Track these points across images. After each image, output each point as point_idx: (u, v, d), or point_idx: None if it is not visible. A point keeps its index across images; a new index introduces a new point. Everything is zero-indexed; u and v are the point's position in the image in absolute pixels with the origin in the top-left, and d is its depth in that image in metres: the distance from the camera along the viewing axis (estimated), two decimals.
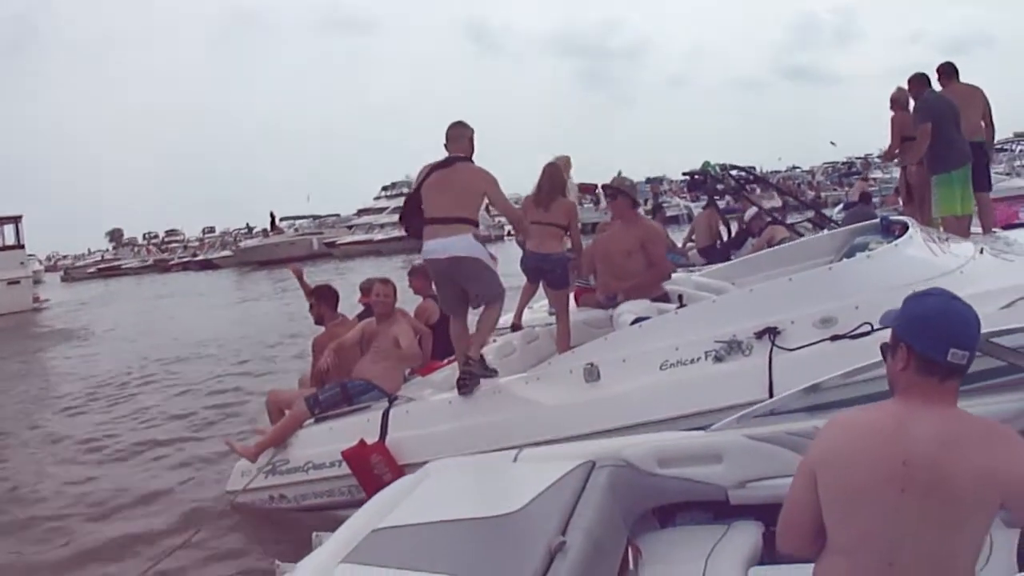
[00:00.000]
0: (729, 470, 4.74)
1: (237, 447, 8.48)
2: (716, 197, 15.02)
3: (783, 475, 4.44)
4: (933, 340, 2.70)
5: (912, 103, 10.57)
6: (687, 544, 4.54)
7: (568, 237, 8.58)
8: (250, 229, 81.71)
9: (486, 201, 7.68)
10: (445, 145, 7.42)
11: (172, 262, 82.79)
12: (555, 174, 8.57)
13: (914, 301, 2.84)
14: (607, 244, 8.74)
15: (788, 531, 2.99)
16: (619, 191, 8.52)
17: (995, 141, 11.43)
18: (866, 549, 2.68)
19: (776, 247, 10.49)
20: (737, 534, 4.51)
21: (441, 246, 7.12)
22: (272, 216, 76.14)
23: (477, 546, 4.04)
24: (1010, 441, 2.69)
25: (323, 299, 9.26)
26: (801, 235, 11.30)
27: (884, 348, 2.90)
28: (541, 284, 8.71)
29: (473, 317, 7.73)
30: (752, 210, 14.94)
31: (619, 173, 9.22)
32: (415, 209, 7.38)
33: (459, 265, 7.16)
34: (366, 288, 9.74)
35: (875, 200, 20.25)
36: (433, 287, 8.42)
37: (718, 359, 6.45)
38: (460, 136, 7.43)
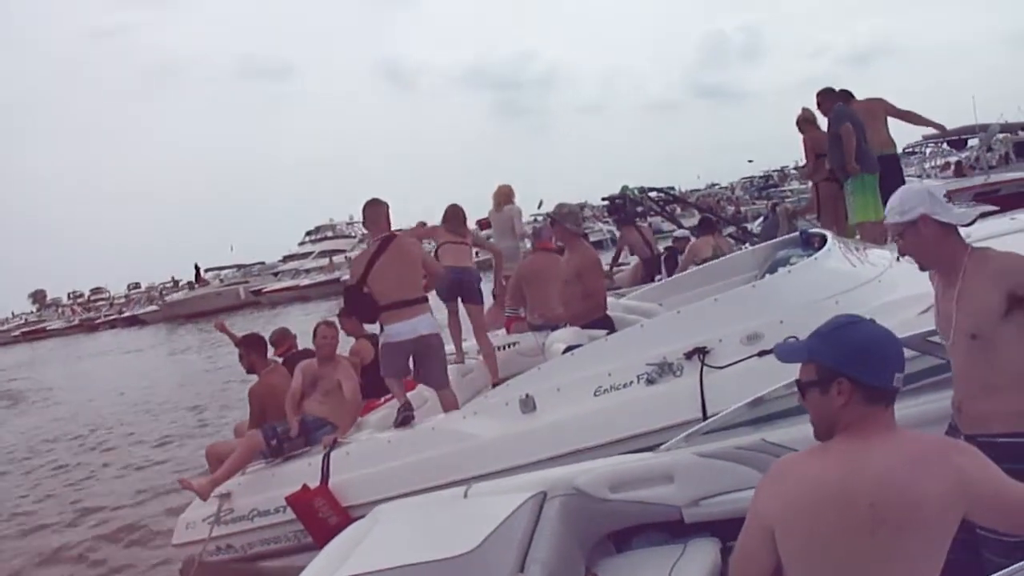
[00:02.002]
0: (681, 489, 4.79)
1: (193, 485, 8.33)
2: (638, 219, 15.20)
3: (736, 489, 4.61)
4: (879, 369, 2.68)
5: (822, 118, 10.83)
6: (645, 566, 4.57)
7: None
8: (176, 282, 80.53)
9: None
10: (366, 225, 7.99)
11: (99, 320, 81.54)
12: (458, 208, 9.20)
13: (840, 332, 2.77)
14: (541, 271, 8.97)
15: None
16: (554, 219, 8.67)
17: (907, 145, 11.78)
18: None
19: (702, 266, 10.66)
20: (695, 552, 4.55)
21: (409, 327, 7.54)
22: (197, 268, 75.09)
23: None
24: (963, 450, 2.71)
25: (252, 348, 9.23)
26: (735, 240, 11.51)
27: (807, 385, 2.79)
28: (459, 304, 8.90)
29: None
30: (681, 231, 15.13)
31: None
32: (360, 297, 7.74)
33: (424, 342, 7.60)
34: (277, 340, 9.84)
35: (789, 207, 20.64)
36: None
37: (650, 382, 6.59)
38: (378, 215, 7.90)
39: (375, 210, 7.90)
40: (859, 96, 10.90)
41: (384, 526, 5.03)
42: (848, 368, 2.67)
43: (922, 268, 3.75)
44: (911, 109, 11.13)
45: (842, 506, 2.55)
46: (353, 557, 4.55)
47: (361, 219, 8.01)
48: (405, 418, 7.62)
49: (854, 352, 2.69)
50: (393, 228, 7.92)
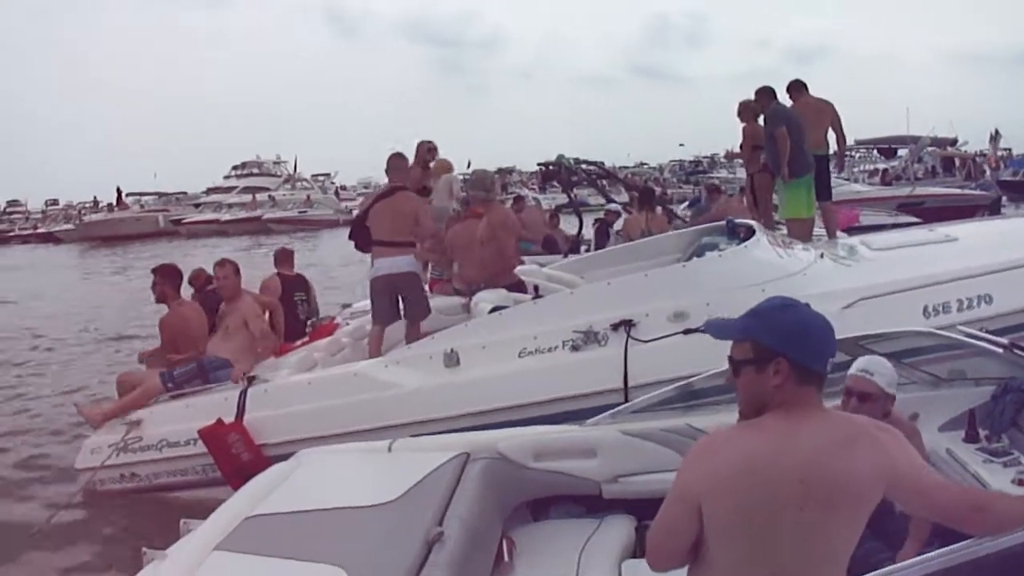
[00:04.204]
0: (603, 465, 4.87)
1: (84, 411, 8.49)
2: (569, 189, 15.32)
3: (656, 470, 4.69)
4: (816, 351, 2.71)
5: (760, 115, 10.96)
6: (561, 537, 4.62)
7: None
8: (96, 203, 78.96)
9: None
10: (386, 171, 8.76)
11: (11, 234, 79.82)
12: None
13: (779, 314, 2.77)
14: (461, 234, 9.00)
15: (662, 553, 2.83)
16: (470, 184, 9.08)
17: (835, 150, 11.94)
18: (752, 566, 2.65)
19: (626, 244, 10.78)
20: (610, 528, 4.61)
21: (390, 264, 8.23)
22: (119, 191, 73.72)
23: (354, 535, 4.03)
24: (891, 434, 2.77)
25: (167, 278, 8.96)
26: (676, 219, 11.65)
27: (742, 363, 2.78)
28: None
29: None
30: (612, 205, 15.28)
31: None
32: (362, 230, 8.62)
33: (403, 279, 8.27)
34: (194, 277, 9.83)
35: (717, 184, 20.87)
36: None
37: (575, 348, 6.71)
38: (400, 168, 8.83)
39: (397, 162, 8.80)
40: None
41: (306, 470, 5.03)
42: (787, 348, 2.68)
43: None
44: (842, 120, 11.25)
45: (774, 481, 2.59)
46: (272, 497, 4.56)
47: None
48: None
49: (794, 333, 2.70)
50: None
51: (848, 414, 2.95)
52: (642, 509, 4.56)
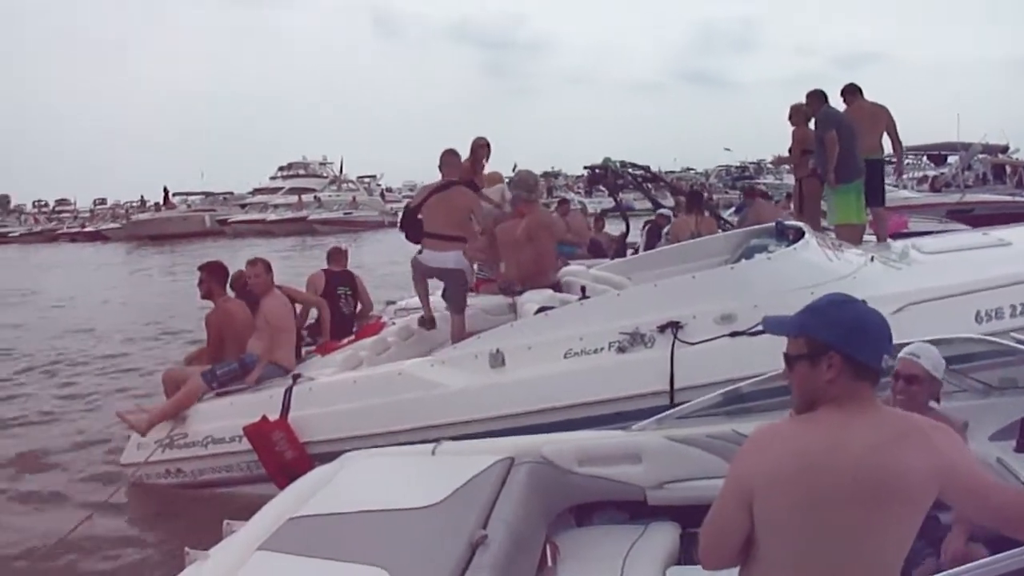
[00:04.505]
0: (648, 470, 4.81)
1: (129, 419, 8.43)
2: (616, 193, 15.29)
3: (701, 477, 4.63)
4: (871, 347, 2.69)
5: (811, 118, 10.87)
6: (605, 543, 4.59)
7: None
8: (143, 202, 79.71)
9: None
10: (440, 167, 8.86)
11: (60, 232, 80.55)
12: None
13: (835, 309, 2.77)
14: (507, 232, 9.11)
15: (716, 548, 2.82)
16: (514, 184, 9.27)
17: (889, 154, 11.82)
18: (806, 563, 2.63)
19: (674, 245, 10.71)
20: (655, 534, 4.57)
21: (436, 258, 8.43)
22: (165, 190, 74.32)
23: (397, 537, 4.02)
24: (945, 432, 2.72)
25: (213, 275, 9.01)
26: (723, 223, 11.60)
27: (796, 358, 2.77)
28: None
29: None
30: (661, 209, 15.26)
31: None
32: (414, 221, 8.70)
33: (447, 273, 8.45)
34: (236, 279, 9.89)
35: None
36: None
37: (621, 350, 6.65)
38: (453, 163, 8.90)
39: (451, 158, 8.88)
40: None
41: (350, 472, 5.02)
42: (841, 343, 2.67)
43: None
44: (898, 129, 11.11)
45: (826, 476, 2.56)
46: (316, 498, 4.56)
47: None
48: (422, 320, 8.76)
49: (848, 329, 2.69)
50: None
51: (903, 412, 2.87)
52: (687, 516, 4.52)
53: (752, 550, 2.75)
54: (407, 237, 8.90)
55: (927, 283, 6.71)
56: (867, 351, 2.69)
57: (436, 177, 8.97)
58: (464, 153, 9.66)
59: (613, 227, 17.96)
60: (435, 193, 8.64)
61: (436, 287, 9.05)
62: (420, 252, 8.63)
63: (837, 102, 10.53)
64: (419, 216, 8.64)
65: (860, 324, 2.71)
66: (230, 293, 9.10)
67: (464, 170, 9.56)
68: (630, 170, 14.57)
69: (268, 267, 8.70)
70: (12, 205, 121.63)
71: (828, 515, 2.57)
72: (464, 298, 8.52)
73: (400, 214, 9.32)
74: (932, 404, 4.35)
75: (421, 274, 8.70)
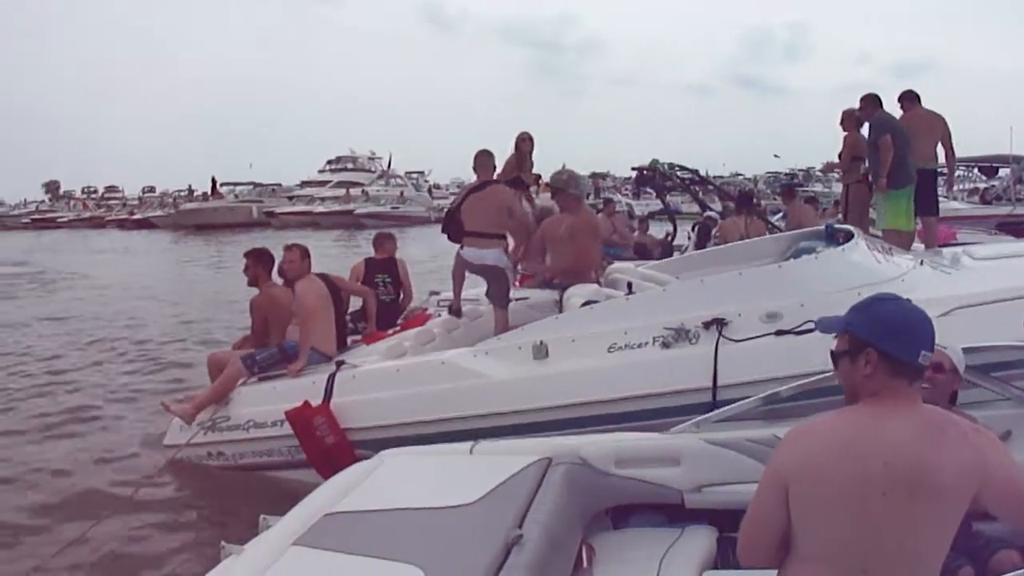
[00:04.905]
0: (686, 473, 4.78)
1: (173, 408, 8.55)
2: (663, 195, 15.27)
3: (740, 481, 4.59)
4: (906, 343, 2.72)
5: (865, 123, 10.81)
6: (641, 546, 4.54)
7: None
8: (191, 191, 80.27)
9: None
10: (474, 168, 9.08)
11: (108, 218, 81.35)
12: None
13: (876, 306, 2.83)
14: (551, 227, 9.21)
15: (754, 543, 2.88)
16: (555, 189, 9.20)
17: (943, 164, 11.73)
18: (841, 556, 2.64)
19: (722, 246, 10.68)
20: (691, 538, 4.53)
21: (476, 254, 8.71)
22: (213, 180, 74.91)
23: (433, 535, 4.01)
24: (986, 434, 2.76)
25: (259, 261, 9.14)
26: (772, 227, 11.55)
27: (839, 355, 2.86)
28: None
29: None
30: (709, 212, 15.25)
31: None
32: (455, 222, 8.92)
33: (487, 270, 8.74)
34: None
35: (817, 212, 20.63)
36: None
37: (666, 345, 6.60)
38: (487, 164, 9.10)
39: (484, 159, 9.06)
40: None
41: (387, 470, 5.02)
42: (878, 340, 2.73)
43: None
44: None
45: (855, 461, 2.61)
46: (353, 494, 4.56)
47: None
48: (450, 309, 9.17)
49: (885, 325, 2.75)
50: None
51: (943, 411, 2.88)
52: (725, 520, 4.50)
53: (789, 549, 2.77)
54: (449, 238, 9.12)
55: (977, 288, 6.60)
56: (903, 348, 2.72)
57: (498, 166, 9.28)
58: (501, 154, 9.80)
59: (657, 231, 17.97)
60: (472, 193, 8.94)
61: (480, 283, 9.16)
62: (462, 249, 8.89)
63: (893, 108, 10.47)
64: (459, 218, 8.89)
65: (897, 321, 2.76)
66: (277, 280, 9.15)
67: (509, 166, 9.87)
68: (678, 172, 14.55)
69: (304, 254, 8.74)
70: (62, 191, 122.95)
71: (862, 506, 2.59)
72: (506, 294, 8.70)
73: (446, 211, 9.41)
74: (970, 412, 4.29)
75: (462, 268, 8.99)
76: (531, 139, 10.96)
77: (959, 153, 11.83)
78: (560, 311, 8.09)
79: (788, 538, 2.76)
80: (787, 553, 2.79)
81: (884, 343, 2.71)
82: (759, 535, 2.83)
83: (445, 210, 9.75)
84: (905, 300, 2.85)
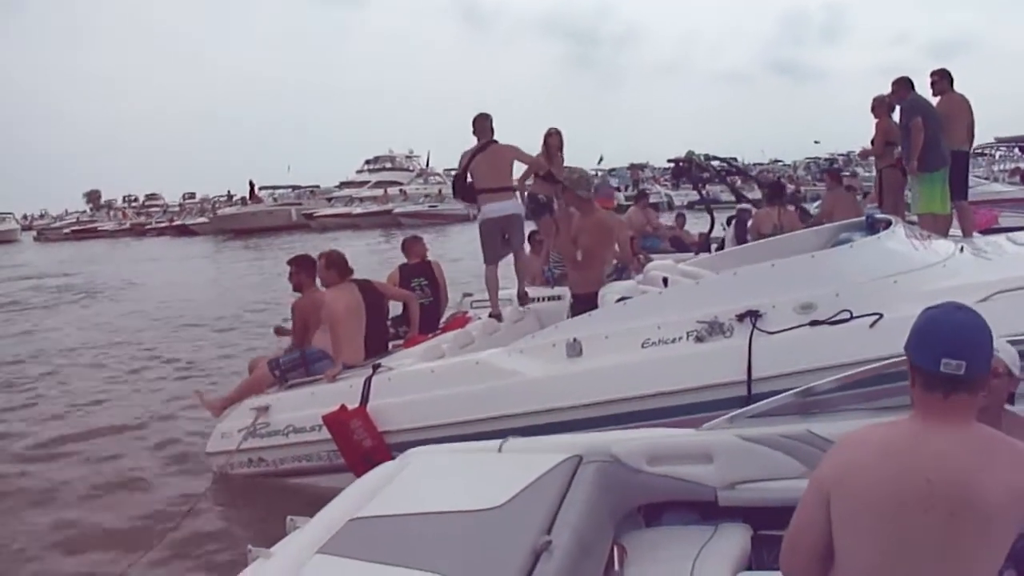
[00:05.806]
0: (719, 470, 4.67)
1: (205, 399, 8.90)
2: (700, 186, 15.17)
3: (774, 478, 4.50)
4: (924, 351, 2.58)
5: (896, 108, 10.74)
6: (674, 545, 4.44)
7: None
8: (230, 196, 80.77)
9: None
10: (474, 132, 9.41)
11: (148, 226, 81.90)
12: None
13: (920, 314, 2.68)
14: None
15: (796, 553, 2.80)
16: (564, 187, 9.08)
17: (975, 147, 11.63)
18: (882, 572, 2.57)
19: (761, 241, 10.59)
20: (725, 536, 4.43)
21: (500, 208, 9.25)
22: (251, 184, 75.17)
23: (460, 541, 3.94)
24: None
25: (302, 267, 9.27)
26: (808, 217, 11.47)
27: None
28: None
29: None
30: (743, 204, 15.18)
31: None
32: (464, 184, 9.52)
33: (511, 219, 9.36)
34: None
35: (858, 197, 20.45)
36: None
37: (699, 339, 6.54)
38: (485, 127, 9.39)
39: (482, 122, 9.41)
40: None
41: (414, 470, 4.95)
42: (907, 349, 2.65)
43: None
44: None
45: (898, 474, 2.51)
46: (379, 497, 4.50)
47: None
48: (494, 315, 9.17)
49: (912, 333, 2.64)
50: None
51: (991, 429, 2.70)
52: (759, 518, 4.43)
53: (833, 566, 2.70)
54: (462, 199, 9.90)
55: (1017, 272, 6.40)
56: (922, 356, 2.60)
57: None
58: (535, 149, 10.16)
59: (694, 223, 17.92)
60: (477, 154, 9.32)
61: (511, 284, 9.54)
62: (479, 211, 9.47)
63: (924, 89, 10.39)
64: (467, 181, 9.45)
65: (918, 327, 2.65)
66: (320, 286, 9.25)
67: (539, 163, 10.24)
68: (714, 163, 14.47)
69: (330, 262, 8.90)
70: (103, 200, 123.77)
71: (901, 524, 2.51)
72: (523, 237, 9.72)
73: (454, 176, 9.75)
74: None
75: (491, 231, 9.38)
76: (559, 134, 11.00)
77: (1000, 132, 11.76)
78: (569, 311, 8.28)
79: (831, 551, 2.69)
80: (828, 568, 2.72)
81: (911, 352, 2.63)
82: (800, 544, 2.77)
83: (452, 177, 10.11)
84: (958, 306, 2.67)
